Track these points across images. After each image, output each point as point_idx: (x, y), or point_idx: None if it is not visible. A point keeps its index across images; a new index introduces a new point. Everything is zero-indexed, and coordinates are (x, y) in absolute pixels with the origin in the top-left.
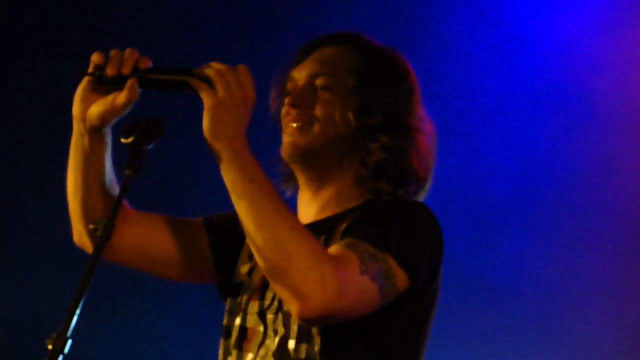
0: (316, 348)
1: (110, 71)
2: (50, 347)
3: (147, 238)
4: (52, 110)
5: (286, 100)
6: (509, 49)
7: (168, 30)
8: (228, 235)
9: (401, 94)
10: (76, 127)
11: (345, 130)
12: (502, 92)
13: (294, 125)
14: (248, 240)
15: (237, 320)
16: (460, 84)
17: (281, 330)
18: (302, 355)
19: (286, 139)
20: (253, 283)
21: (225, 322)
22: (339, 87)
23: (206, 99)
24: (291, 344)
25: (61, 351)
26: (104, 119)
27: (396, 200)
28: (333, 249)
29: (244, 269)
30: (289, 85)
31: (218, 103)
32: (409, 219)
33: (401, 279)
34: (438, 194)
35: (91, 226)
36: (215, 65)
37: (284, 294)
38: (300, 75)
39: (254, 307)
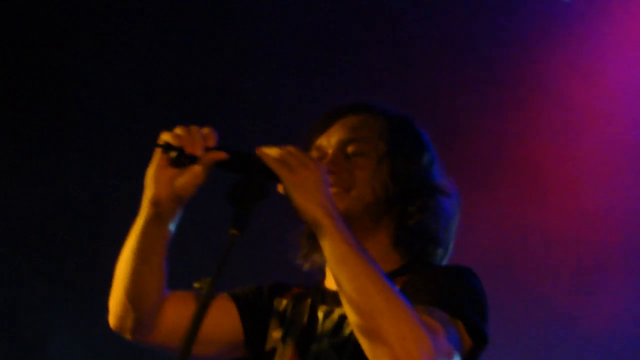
0: None
1: (189, 149)
2: None
3: (182, 318)
4: None
5: None
6: None
7: None
8: (256, 306)
9: (426, 160)
10: (149, 211)
11: (382, 194)
12: None
13: (333, 190)
14: (348, 307)
15: None
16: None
17: None
18: None
19: None
20: (288, 349)
21: None
22: (371, 153)
23: (288, 178)
24: None
25: None
26: (178, 198)
27: (441, 265)
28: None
29: (276, 334)
30: (315, 154)
31: (298, 181)
32: (467, 284)
33: (467, 344)
34: None
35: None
36: (273, 149)
37: (379, 356)
38: (329, 142)
39: None
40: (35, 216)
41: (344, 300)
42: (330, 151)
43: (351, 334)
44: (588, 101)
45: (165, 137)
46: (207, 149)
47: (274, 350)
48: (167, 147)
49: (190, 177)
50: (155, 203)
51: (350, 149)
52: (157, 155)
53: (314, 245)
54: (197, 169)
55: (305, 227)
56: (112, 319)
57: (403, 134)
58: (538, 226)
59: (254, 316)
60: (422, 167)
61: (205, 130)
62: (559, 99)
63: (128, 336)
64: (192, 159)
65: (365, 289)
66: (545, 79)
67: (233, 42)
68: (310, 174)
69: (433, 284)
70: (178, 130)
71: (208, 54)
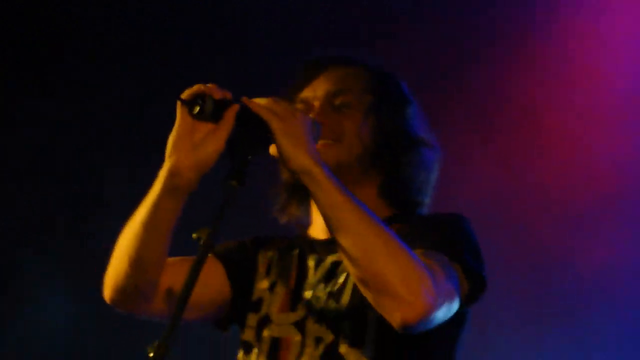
0: (369, 354)
1: (217, 95)
2: (151, 355)
3: (176, 287)
4: None
5: None
6: None
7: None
8: (241, 262)
9: (410, 112)
10: (166, 182)
11: (370, 145)
12: None
13: (320, 142)
14: (343, 252)
15: (266, 332)
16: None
17: (329, 337)
18: (357, 358)
19: None
20: (277, 297)
21: (245, 336)
22: (358, 105)
23: (277, 125)
24: (343, 348)
25: (162, 358)
26: (199, 167)
27: (433, 214)
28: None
29: (263, 284)
30: (300, 107)
31: (287, 128)
32: (463, 230)
33: (465, 288)
34: None
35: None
36: (260, 99)
37: (385, 302)
38: (315, 95)
39: (285, 318)
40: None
41: (341, 247)
42: (316, 103)
43: (346, 280)
44: (587, 54)
45: (188, 91)
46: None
47: (260, 300)
48: (196, 98)
49: (213, 143)
50: (175, 173)
51: (337, 101)
52: (180, 119)
53: (292, 197)
54: (218, 138)
55: (285, 179)
56: (110, 291)
57: (387, 87)
58: (536, 174)
59: (240, 272)
60: (407, 119)
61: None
62: (560, 51)
63: (124, 308)
64: (223, 105)
65: (363, 233)
66: (547, 31)
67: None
68: (298, 123)
69: (429, 229)
70: (198, 85)
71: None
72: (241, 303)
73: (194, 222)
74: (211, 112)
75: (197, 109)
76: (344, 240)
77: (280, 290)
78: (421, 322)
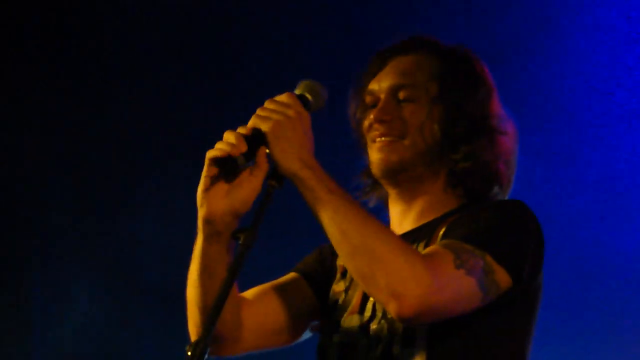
0: (421, 351)
1: (243, 148)
2: (189, 353)
3: (262, 317)
4: None
5: (371, 116)
6: None
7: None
8: (322, 274)
9: (480, 96)
10: (205, 229)
11: (432, 142)
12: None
13: (384, 139)
14: (337, 252)
15: (336, 338)
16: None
17: (385, 337)
18: (408, 358)
19: (376, 155)
20: (350, 300)
21: (320, 342)
22: (422, 98)
23: (267, 130)
24: (396, 349)
25: (200, 358)
26: (236, 211)
27: (492, 200)
28: (427, 250)
29: (338, 287)
30: (368, 99)
31: (275, 132)
32: (506, 217)
33: (502, 276)
34: None
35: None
36: (256, 114)
37: (380, 296)
38: (380, 87)
39: (352, 321)
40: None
41: (335, 249)
42: (382, 96)
43: None
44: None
45: (212, 152)
46: (250, 144)
47: (334, 304)
48: (221, 162)
49: (247, 190)
50: (210, 221)
51: (401, 94)
52: (205, 172)
53: (375, 182)
54: (254, 178)
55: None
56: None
57: (456, 72)
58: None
59: (323, 283)
60: (477, 104)
61: (241, 130)
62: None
63: (218, 355)
64: (252, 151)
65: (350, 234)
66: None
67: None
68: (289, 124)
69: (469, 220)
70: (220, 144)
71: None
72: (322, 309)
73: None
74: (244, 166)
75: (230, 171)
76: (333, 241)
77: (352, 293)
78: (418, 313)
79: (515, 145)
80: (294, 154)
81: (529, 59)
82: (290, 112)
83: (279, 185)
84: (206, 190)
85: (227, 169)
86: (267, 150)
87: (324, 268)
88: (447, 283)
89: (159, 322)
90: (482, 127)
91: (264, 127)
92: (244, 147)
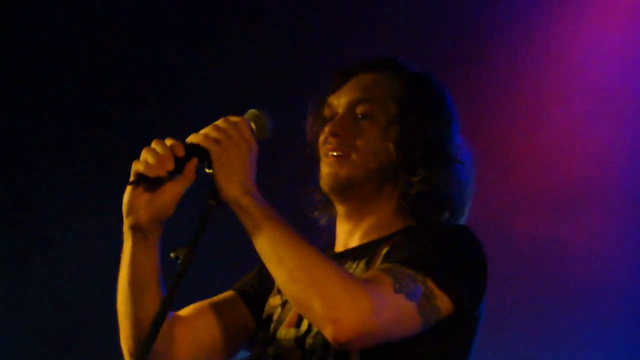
0: None
1: (170, 166)
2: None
3: (195, 333)
4: None
5: (326, 129)
6: None
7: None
8: (260, 291)
9: (441, 122)
10: (132, 237)
11: (385, 161)
12: None
13: (334, 154)
14: (275, 279)
15: (270, 351)
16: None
17: (320, 351)
18: None
19: (326, 169)
20: (287, 314)
21: (254, 355)
22: (380, 116)
23: (214, 152)
24: None
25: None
26: (159, 217)
27: (437, 224)
28: (367, 274)
29: (274, 301)
30: (327, 112)
31: (223, 158)
32: (450, 242)
33: (443, 302)
34: None
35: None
36: (202, 131)
37: (316, 321)
38: (339, 102)
39: (288, 334)
40: None
41: (272, 276)
42: (340, 110)
43: None
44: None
45: (138, 166)
46: (178, 160)
47: (269, 317)
48: (136, 182)
49: (169, 196)
50: (136, 228)
51: (359, 110)
52: (130, 185)
53: (327, 200)
54: (178, 186)
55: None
56: (129, 358)
57: (417, 95)
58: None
59: (259, 300)
60: (436, 130)
61: (169, 141)
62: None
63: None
64: (160, 181)
65: (285, 261)
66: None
67: None
68: (238, 153)
69: (412, 242)
70: (149, 157)
71: None
72: (257, 324)
73: (173, 240)
74: (169, 178)
75: (154, 184)
76: (270, 268)
77: (290, 306)
78: (355, 339)
79: (471, 177)
80: (235, 180)
81: None
82: (243, 144)
83: (217, 205)
84: (131, 200)
85: (152, 182)
86: (208, 170)
87: (262, 284)
88: (385, 307)
89: None
90: (439, 154)
91: (213, 149)
92: (171, 166)
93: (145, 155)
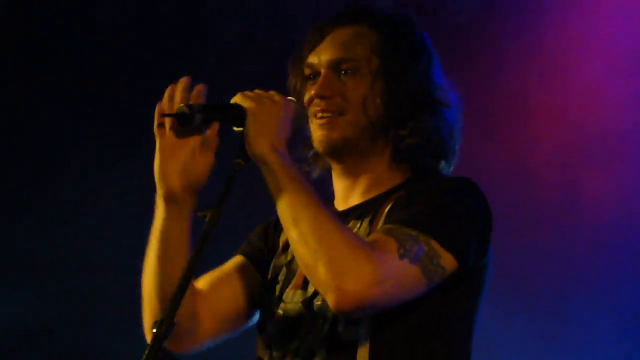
0: (366, 330)
1: (200, 99)
2: (154, 330)
3: (216, 305)
4: None
5: (312, 91)
6: None
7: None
8: (266, 253)
9: (423, 68)
10: (165, 208)
11: (375, 116)
12: None
13: (325, 116)
14: (288, 238)
15: (277, 312)
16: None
17: (330, 313)
18: (352, 337)
19: (318, 132)
20: (292, 275)
21: (261, 316)
22: (364, 71)
23: (250, 107)
24: (340, 326)
25: (165, 337)
26: (194, 186)
27: (438, 176)
28: (371, 237)
29: (279, 261)
30: (308, 72)
31: (256, 111)
32: (453, 197)
33: (448, 260)
34: None
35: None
36: (242, 92)
37: (319, 287)
38: (320, 61)
39: (295, 296)
40: None
41: (286, 234)
42: (322, 70)
43: None
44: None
45: (161, 107)
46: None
47: (276, 276)
48: (176, 115)
49: (201, 162)
50: (170, 198)
51: (342, 67)
52: (160, 142)
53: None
54: (205, 153)
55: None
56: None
57: (396, 45)
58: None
59: (268, 262)
60: (419, 78)
61: (198, 87)
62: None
63: (174, 348)
64: (187, 121)
65: (300, 224)
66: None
67: None
68: (273, 107)
69: (414, 200)
70: (171, 92)
71: None
72: (262, 284)
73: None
74: (194, 128)
75: (183, 124)
76: (285, 226)
77: (296, 267)
78: (356, 307)
79: (458, 116)
80: (266, 138)
81: None
82: (280, 103)
83: (245, 163)
84: (162, 166)
85: (181, 122)
86: (236, 129)
87: (267, 246)
88: (390, 274)
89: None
90: (425, 101)
91: (249, 104)
92: (200, 98)
93: (173, 93)
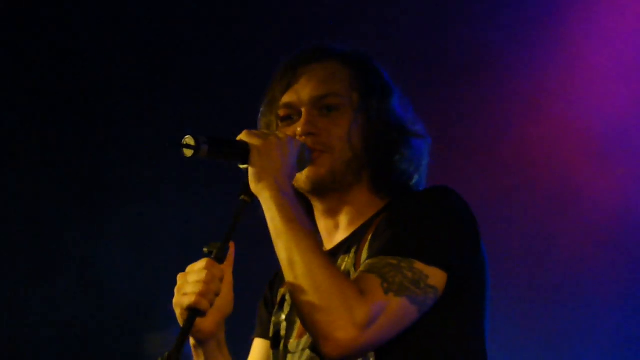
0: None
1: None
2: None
3: None
4: None
5: (298, 129)
6: None
7: None
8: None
9: (395, 103)
10: (205, 352)
11: (359, 150)
12: None
13: (314, 154)
14: (285, 278)
15: None
16: None
17: None
18: None
19: (306, 169)
20: (293, 326)
21: None
22: (345, 107)
23: (256, 143)
24: None
25: None
26: (224, 314)
27: (414, 194)
28: (356, 276)
29: (278, 318)
30: (284, 112)
31: (262, 148)
32: (428, 210)
33: (435, 276)
34: None
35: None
36: (248, 130)
37: (311, 332)
38: (300, 99)
39: (301, 344)
40: None
41: (284, 274)
42: (304, 109)
43: None
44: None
45: (181, 300)
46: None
47: (278, 332)
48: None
49: (226, 290)
50: (203, 341)
51: (324, 103)
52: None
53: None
54: (226, 276)
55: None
56: None
57: (371, 79)
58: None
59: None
60: (394, 112)
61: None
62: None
63: None
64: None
65: (297, 264)
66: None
67: None
68: (278, 145)
69: (393, 224)
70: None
71: None
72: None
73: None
74: (207, 154)
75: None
76: (282, 267)
77: (294, 317)
78: (347, 354)
79: (427, 148)
80: (269, 174)
81: None
82: (282, 135)
83: (250, 201)
84: (196, 343)
85: (186, 152)
86: (242, 166)
87: (269, 312)
88: (377, 313)
89: None
90: (402, 134)
91: (253, 140)
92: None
93: (188, 286)
